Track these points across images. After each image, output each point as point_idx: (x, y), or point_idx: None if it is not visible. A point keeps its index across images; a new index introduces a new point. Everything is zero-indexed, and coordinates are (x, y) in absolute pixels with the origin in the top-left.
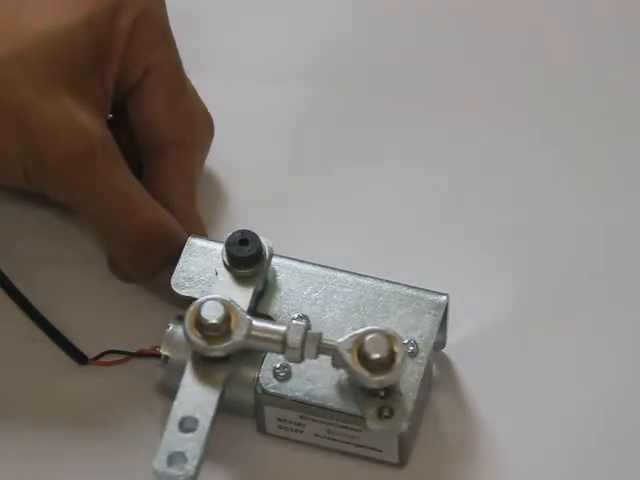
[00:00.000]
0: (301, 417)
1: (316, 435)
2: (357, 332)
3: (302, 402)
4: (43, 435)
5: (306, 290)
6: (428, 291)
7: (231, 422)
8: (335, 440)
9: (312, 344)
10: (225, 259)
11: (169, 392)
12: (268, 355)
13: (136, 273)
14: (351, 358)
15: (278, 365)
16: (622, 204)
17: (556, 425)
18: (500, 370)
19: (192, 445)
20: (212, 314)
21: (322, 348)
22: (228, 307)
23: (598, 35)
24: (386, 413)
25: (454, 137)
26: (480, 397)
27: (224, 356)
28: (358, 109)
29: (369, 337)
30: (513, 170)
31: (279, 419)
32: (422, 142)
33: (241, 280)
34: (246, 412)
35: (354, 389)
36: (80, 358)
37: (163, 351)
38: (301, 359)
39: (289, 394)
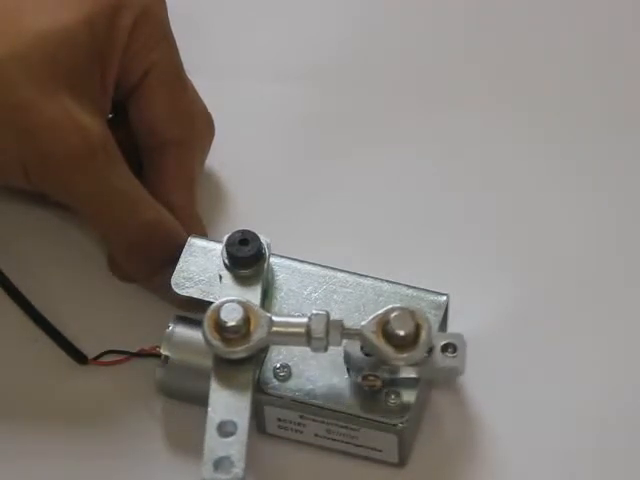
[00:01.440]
0: (301, 417)
1: (316, 435)
2: (379, 312)
3: (302, 402)
4: (43, 435)
5: (306, 290)
6: (428, 291)
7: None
8: (335, 440)
9: (336, 331)
10: (225, 259)
11: (169, 392)
12: (268, 355)
13: (136, 273)
14: (376, 338)
15: (278, 365)
16: (622, 204)
17: (556, 425)
18: (500, 370)
19: (235, 448)
20: (232, 316)
21: (346, 334)
22: (246, 308)
23: (598, 35)
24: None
25: (454, 137)
26: (480, 397)
27: (247, 356)
28: (358, 109)
29: (393, 315)
30: (513, 170)
31: (279, 419)
32: (422, 142)
33: (244, 281)
34: None
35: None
36: (80, 358)
37: (163, 351)
38: (326, 349)
39: (289, 394)
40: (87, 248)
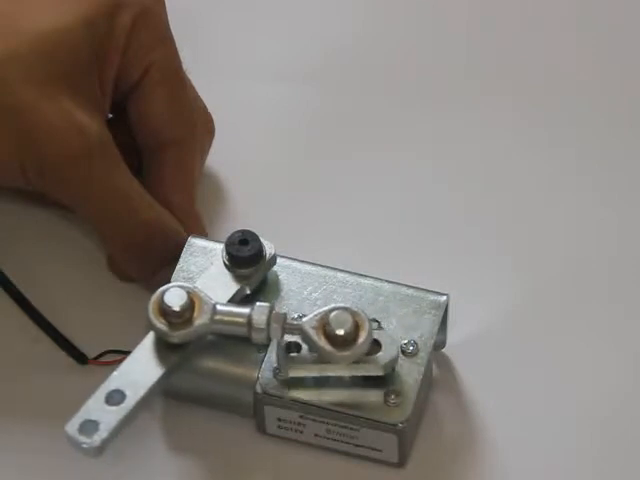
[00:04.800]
0: (301, 417)
1: (316, 435)
2: (321, 310)
3: (302, 402)
4: (43, 435)
5: (306, 290)
6: (428, 291)
7: (231, 422)
8: (335, 440)
9: (277, 324)
10: (225, 259)
11: (169, 392)
12: (268, 355)
13: (136, 272)
14: (316, 334)
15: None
16: (622, 204)
17: (556, 425)
18: (500, 370)
19: (109, 417)
20: (175, 301)
21: (287, 328)
22: (191, 294)
23: (598, 35)
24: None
25: (454, 137)
26: (480, 397)
27: (182, 343)
28: (358, 109)
29: (333, 314)
30: (513, 170)
31: (279, 419)
32: (422, 142)
33: (233, 278)
34: (246, 412)
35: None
36: (80, 358)
37: None
38: (268, 341)
39: (289, 394)
40: (87, 248)
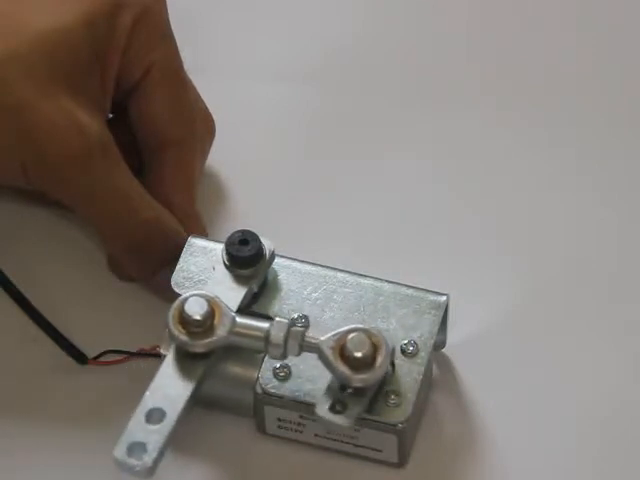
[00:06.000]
0: (301, 417)
1: (316, 435)
2: (340, 330)
3: (302, 402)
4: (43, 435)
5: (306, 290)
6: (428, 291)
7: (231, 422)
8: (335, 440)
9: (295, 341)
10: (225, 259)
11: None
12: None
13: (136, 272)
14: (333, 355)
15: (278, 365)
16: (622, 204)
17: (556, 425)
18: (500, 370)
19: (155, 437)
20: (195, 310)
21: (305, 346)
22: (212, 303)
23: (598, 35)
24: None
25: (454, 137)
26: (480, 397)
27: (205, 352)
28: (358, 109)
29: (351, 335)
30: (513, 170)
31: (279, 419)
32: (422, 142)
33: (237, 279)
34: (246, 412)
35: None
36: (80, 358)
37: (163, 351)
38: (284, 357)
39: (289, 394)
40: (87, 248)
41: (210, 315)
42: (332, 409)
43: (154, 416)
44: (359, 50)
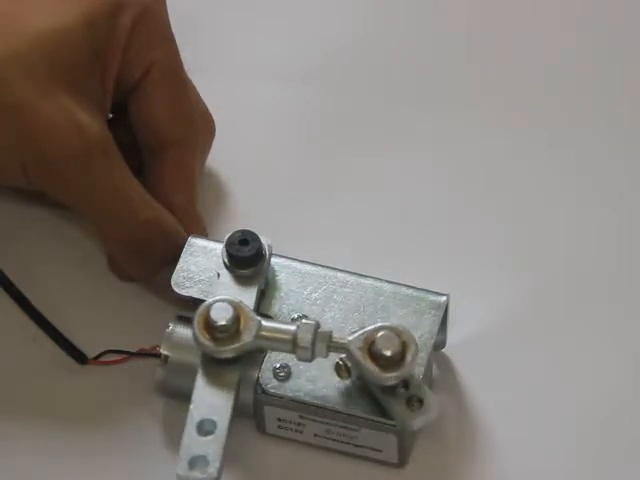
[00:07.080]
0: (301, 417)
1: (316, 435)
2: (367, 329)
3: (302, 402)
4: (43, 434)
5: (306, 290)
6: (428, 291)
7: (231, 422)
8: (335, 440)
9: (323, 342)
10: (225, 259)
11: (169, 392)
12: (268, 355)
13: (136, 272)
14: (362, 356)
15: (278, 365)
16: (622, 204)
17: (556, 425)
18: (500, 370)
19: (212, 448)
20: (222, 315)
21: (333, 346)
22: (237, 308)
23: (598, 35)
24: (415, 403)
25: (455, 137)
26: (480, 397)
27: (234, 357)
28: (358, 109)
29: (380, 334)
30: (513, 170)
31: (279, 419)
32: (422, 142)
33: (242, 280)
34: (246, 412)
35: (369, 392)
36: (80, 358)
37: (163, 351)
38: (312, 358)
39: (289, 394)
40: (87, 248)
41: (236, 320)
42: (409, 404)
43: (205, 427)
44: (359, 50)
